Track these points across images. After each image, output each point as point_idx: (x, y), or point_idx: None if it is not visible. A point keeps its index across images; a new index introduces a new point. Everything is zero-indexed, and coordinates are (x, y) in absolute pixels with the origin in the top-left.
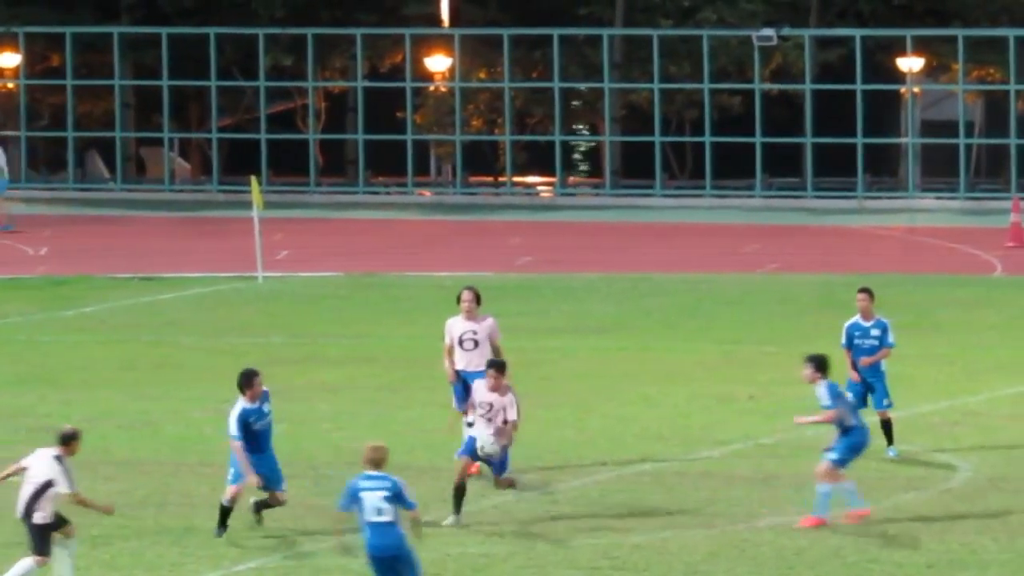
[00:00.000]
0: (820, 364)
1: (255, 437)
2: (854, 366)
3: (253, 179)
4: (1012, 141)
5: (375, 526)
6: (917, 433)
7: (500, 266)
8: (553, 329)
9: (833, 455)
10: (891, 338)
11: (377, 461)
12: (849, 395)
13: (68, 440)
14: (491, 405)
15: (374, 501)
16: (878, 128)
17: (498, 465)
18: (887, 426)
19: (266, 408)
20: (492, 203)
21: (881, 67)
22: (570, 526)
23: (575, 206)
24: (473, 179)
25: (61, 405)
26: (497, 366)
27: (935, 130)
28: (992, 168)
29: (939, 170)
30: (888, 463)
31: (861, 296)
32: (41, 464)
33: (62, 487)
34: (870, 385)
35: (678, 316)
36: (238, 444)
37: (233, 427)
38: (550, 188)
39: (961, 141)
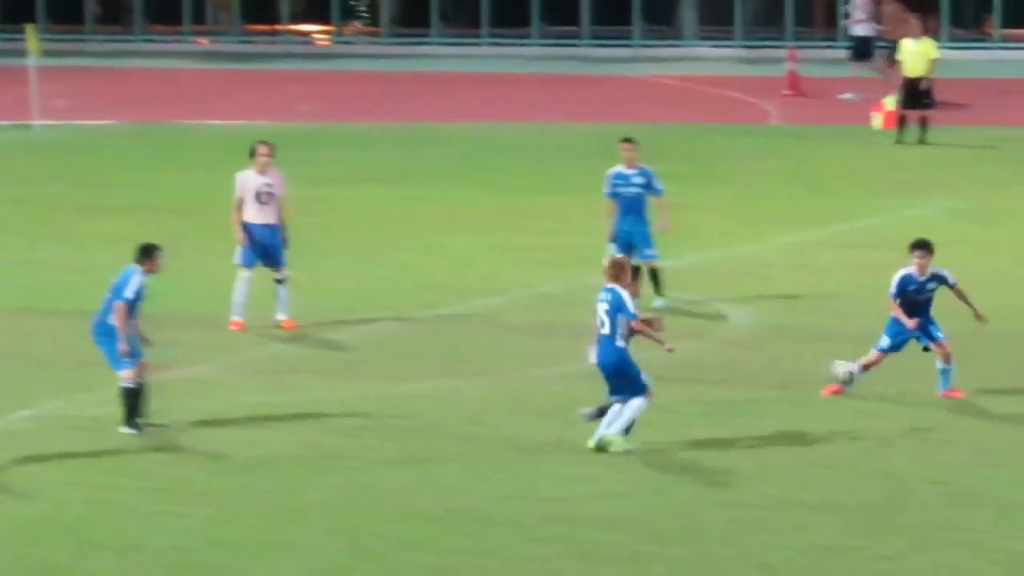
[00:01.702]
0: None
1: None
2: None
3: (29, 27)
4: None
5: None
6: (697, 282)
7: (278, 115)
8: (332, 178)
9: None
10: (658, 185)
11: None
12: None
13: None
14: None
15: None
16: None
17: None
18: (654, 275)
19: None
20: (269, 52)
21: None
22: (347, 373)
23: (352, 55)
24: (250, 27)
25: None
26: None
27: None
28: (768, 17)
29: (715, 18)
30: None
31: (625, 146)
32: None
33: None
34: (631, 234)
35: (457, 165)
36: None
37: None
38: (327, 36)
39: None
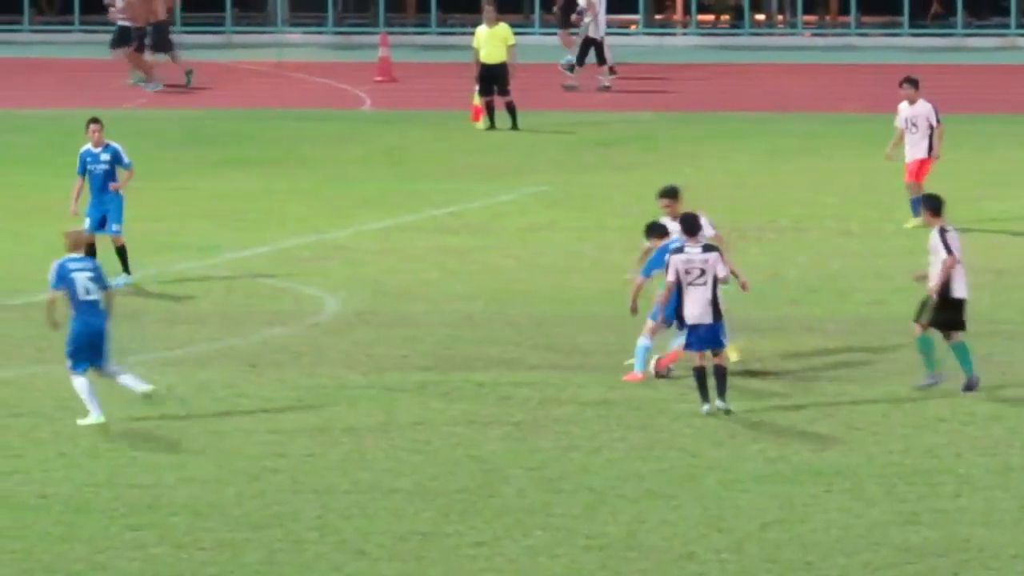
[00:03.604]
0: None
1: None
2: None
3: None
4: None
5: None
6: (284, 267)
7: None
8: None
9: None
10: (127, 160)
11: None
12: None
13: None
14: None
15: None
16: None
17: None
18: (120, 252)
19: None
20: None
21: None
22: None
23: None
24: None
25: None
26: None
27: None
28: (360, 3)
29: (307, 4)
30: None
31: (93, 127)
32: None
33: None
34: (100, 210)
35: (44, 152)
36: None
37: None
38: None
39: None
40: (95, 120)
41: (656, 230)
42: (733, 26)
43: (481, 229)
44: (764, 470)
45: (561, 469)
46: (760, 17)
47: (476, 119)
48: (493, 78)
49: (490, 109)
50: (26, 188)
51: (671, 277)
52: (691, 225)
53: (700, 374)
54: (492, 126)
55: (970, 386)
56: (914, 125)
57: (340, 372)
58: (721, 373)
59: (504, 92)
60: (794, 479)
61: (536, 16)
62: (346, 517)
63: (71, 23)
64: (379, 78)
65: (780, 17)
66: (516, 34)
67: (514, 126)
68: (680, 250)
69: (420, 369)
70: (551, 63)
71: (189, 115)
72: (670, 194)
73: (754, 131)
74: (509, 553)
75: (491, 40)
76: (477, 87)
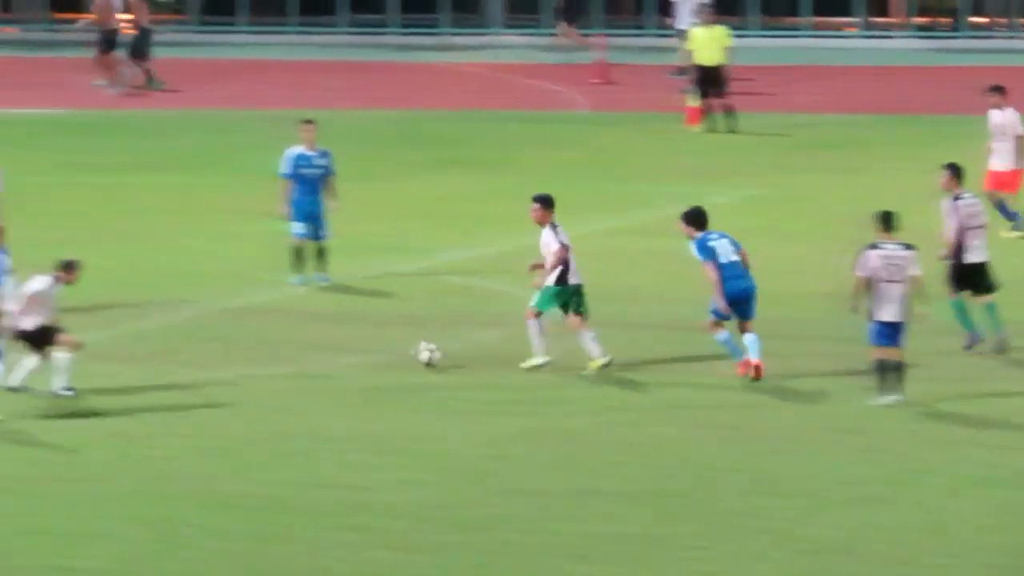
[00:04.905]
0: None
1: None
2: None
3: None
4: None
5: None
6: (499, 269)
7: (83, 102)
8: (135, 166)
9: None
10: (334, 167)
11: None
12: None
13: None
14: None
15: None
16: None
17: None
18: (322, 254)
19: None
20: (76, 40)
21: None
22: (153, 361)
23: (159, 43)
24: (58, 15)
25: None
26: None
27: None
28: (576, 5)
29: (523, 6)
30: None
31: (306, 127)
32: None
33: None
34: (312, 214)
35: (260, 152)
36: None
37: None
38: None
39: None
40: (309, 121)
41: (693, 219)
42: (952, 29)
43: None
44: (983, 475)
45: (777, 472)
46: (979, 20)
47: (693, 121)
48: (710, 80)
49: (707, 111)
50: (244, 189)
51: (865, 273)
52: (887, 221)
53: (883, 367)
54: (710, 128)
55: (999, 347)
56: (1003, 133)
57: (554, 374)
58: (899, 367)
59: (721, 94)
60: (1014, 484)
61: (754, 18)
62: (562, 519)
63: (285, 24)
64: (595, 80)
65: (1001, 20)
66: (733, 36)
67: (732, 128)
68: (876, 246)
69: (633, 370)
70: (767, 65)
71: (405, 116)
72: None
73: (969, 133)
74: (725, 556)
75: (709, 42)
76: (694, 89)
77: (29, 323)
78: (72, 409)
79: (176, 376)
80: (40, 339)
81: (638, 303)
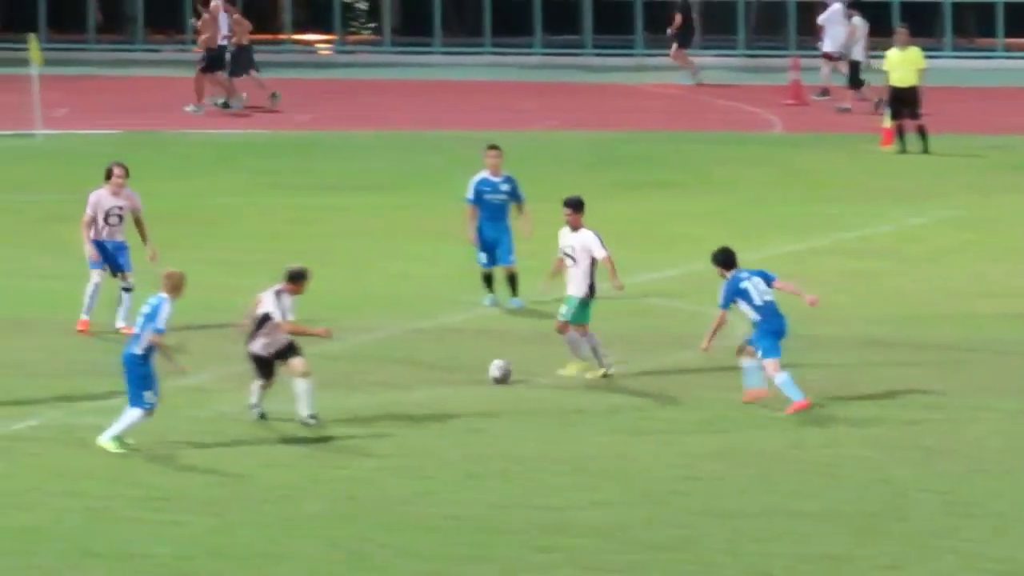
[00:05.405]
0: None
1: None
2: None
3: (31, 36)
4: None
5: None
6: (693, 290)
7: (277, 124)
8: (330, 187)
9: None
10: (522, 193)
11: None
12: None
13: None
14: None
15: None
16: None
17: None
18: (512, 279)
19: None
20: (271, 60)
21: None
22: (346, 383)
23: (354, 64)
24: (252, 36)
25: None
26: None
27: None
28: (770, 25)
29: (717, 27)
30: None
31: (492, 152)
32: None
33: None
34: (495, 240)
35: (455, 174)
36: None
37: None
38: (329, 46)
39: None
40: (494, 147)
41: (722, 260)
42: None
43: (890, 252)
44: None
45: (969, 493)
46: None
47: (887, 143)
48: (904, 101)
49: (901, 132)
50: (437, 210)
51: None
52: None
53: None
54: (903, 150)
55: None
56: None
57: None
58: None
59: (915, 115)
60: None
61: (947, 39)
62: (755, 540)
63: (481, 45)
64: (789, 101)
65: None
66: (927, 57)
67: (925, 149)
68: None
69: (825, 394)
70: (963, 86)
71: (599, 137)
72: None
73: None
74: None
75: (903, 63)
76: (888, 110)
77: (258, 346)
78: (262, 429)
79: (367, 397)
80: (270, 363)
81: (833, 324)
